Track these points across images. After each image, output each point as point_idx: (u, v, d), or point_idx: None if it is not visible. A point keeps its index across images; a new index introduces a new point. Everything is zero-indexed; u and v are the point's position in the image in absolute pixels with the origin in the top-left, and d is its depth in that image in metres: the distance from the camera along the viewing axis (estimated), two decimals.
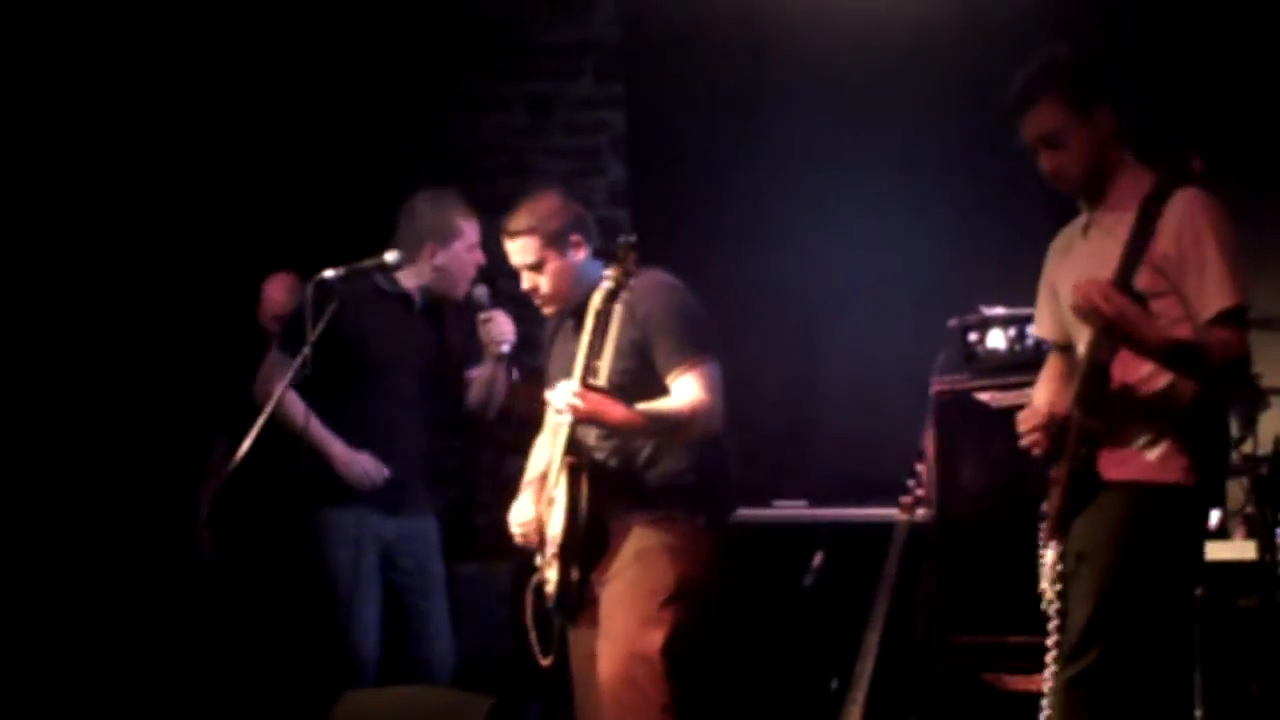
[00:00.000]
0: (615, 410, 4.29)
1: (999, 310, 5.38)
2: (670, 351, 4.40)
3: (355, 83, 6.78)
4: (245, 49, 6.69)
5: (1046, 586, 3.96)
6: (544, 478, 4.60)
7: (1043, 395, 4.13)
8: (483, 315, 5.27)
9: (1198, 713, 4.53)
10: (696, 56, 6.64)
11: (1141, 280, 3.81)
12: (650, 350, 4.42)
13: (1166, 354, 3.81)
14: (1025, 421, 3.97)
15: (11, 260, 6.43)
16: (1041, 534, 4.00)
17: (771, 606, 5.91)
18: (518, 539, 4.63)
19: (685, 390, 4.38)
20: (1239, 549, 5.02)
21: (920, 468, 5.34)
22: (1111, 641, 3.79)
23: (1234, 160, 5.94)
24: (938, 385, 5.39)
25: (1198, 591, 4.43)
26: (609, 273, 4.24)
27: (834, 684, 5.37)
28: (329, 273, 5.07)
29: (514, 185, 5.62)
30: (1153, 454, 3.88)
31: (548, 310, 4.65)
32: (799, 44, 6.44)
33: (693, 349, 4.41)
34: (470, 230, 5.33)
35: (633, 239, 4.25)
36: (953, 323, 5.46)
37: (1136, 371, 3.88)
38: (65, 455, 6.46)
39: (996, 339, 5.38)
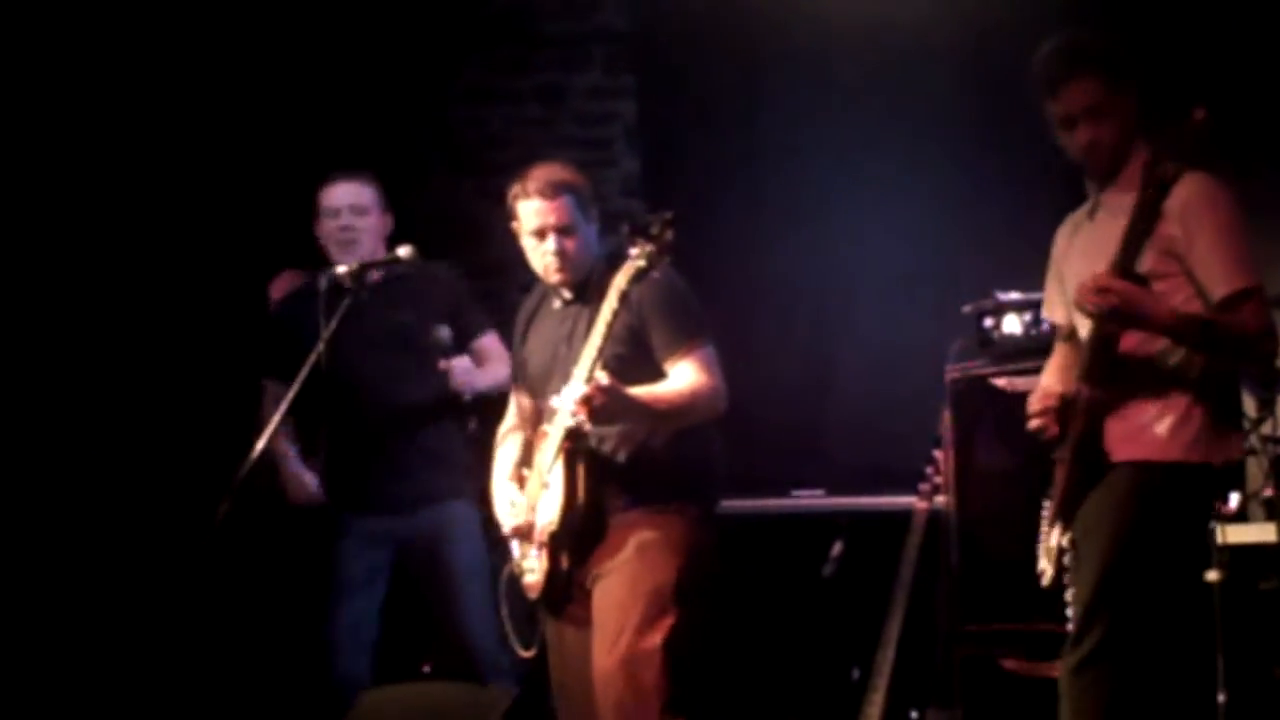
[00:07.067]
0: (623, 403, 4.18)
1: (1014, 295, 5.36)
2: (668, 337, 4.33)
3: (362, 77, 6.76)
4: (253, 44, 6.67)
5: (1047, 565, 3.94)
6: (522, 465, 4.53)
7: (1048, 384, 4.12)
8: (441, 364, 5.25)
9: (1220, 697, 4.51)
10: (707, 45, 6.62)
11: (1146, 263, 3.80)
12: (645, 335, 4.33)
13: (1177, 330, 3.79)
14: (1037, 402, 3.96)
15: (42, 262, 6.44)
16: (1046, 516, 3.98)
17: (791, 596, 5.90)
18: (505, 529, 4.54)
19: (685, 375, 4.31)
20: (1259, 532, 4.98)
21: (938, 454, 5.33)
22: (1113, 623, 3.77)
23: (1252, 142, 5.96)
24: (954, 371, 5.38)
25: (1215, 576, 4.41)
26: (639, 251, 4.09)
27: (855, 673, 5.37)
28: (340, 269, 5.08)
29: None
30: (1160, 429, 3.85)
31: (557, 279, 4.46)
32: (810, 31, 6.41)
33: (690, 333, 4.35)
34: (323, 199, 5.41)
35: (669, 215, 4.10)
36: (967, 308, 5.44)
37: (1143, 346, 3.86)
38: (82, 467, 6.45)
39: (1012, 324, 5.36)
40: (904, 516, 5.31)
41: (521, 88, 6.94)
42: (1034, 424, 3.96)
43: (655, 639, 4.27)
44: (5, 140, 6.31)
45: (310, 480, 5.35)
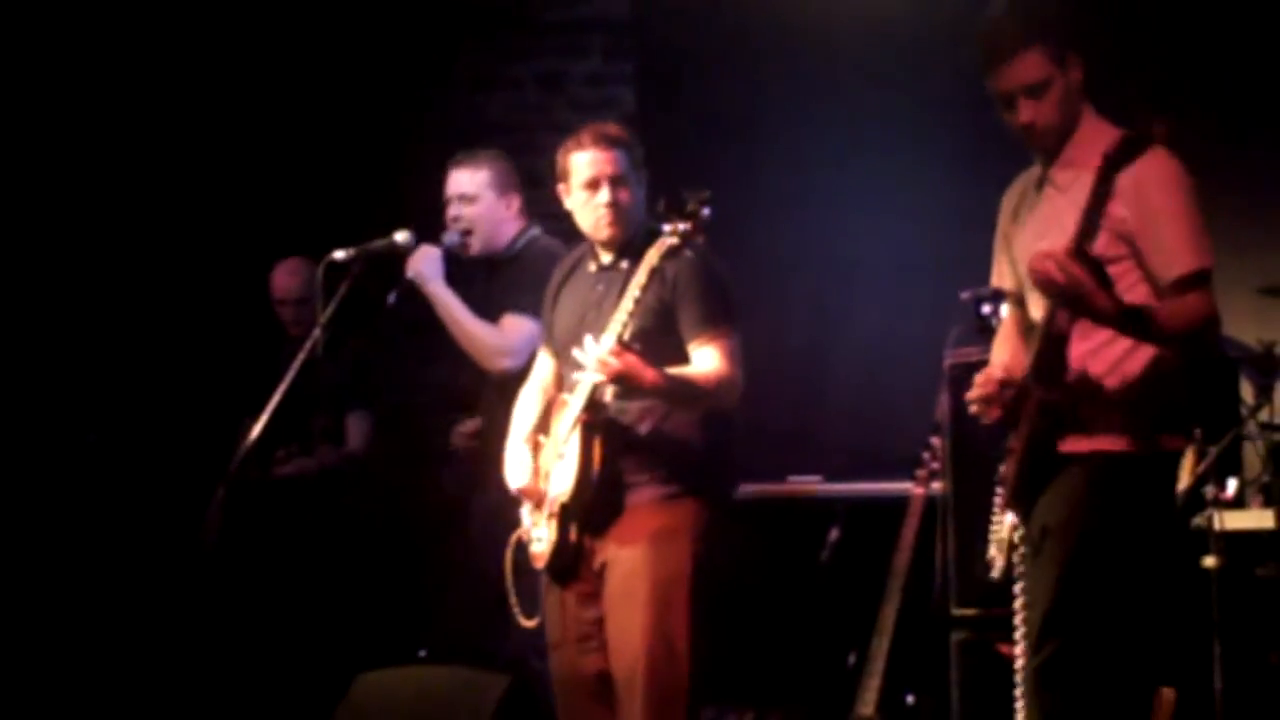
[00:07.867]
0: (646, 374, 4.14)
1: None
2: (698, 318, 4.28)
3: (359, 63, 6.76)
4: (247, 32, 6.68)
5: (997, 554, 3.92)
6: (537, 431, 4.49)
7: (1001, 353, 4.07)
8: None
9: (1217, 683, 4.50)
10: (706, 32, 6.62)
11: (1098, 245, 3.72)
12: (675, 314, 4.29)
13: (1122, 321, 3.71)
14: (977, 386, 3.90)
15: (30, 257, 6.45)
16: (998, 501, 3.95)
17: (788, 582, 5.90)
18: (511, 489, 4.50)
19: (708, 360, 4.27)
20: (1257, 518, 4.99)
21: (935, 441, 5.33)
22: (1074, 628, 3.72)
23: (1239, 125, 5.96)
24: (951, 358, 5.37)
25: (1212, 562, 4.41)
26: (674, 228, 4.05)
27: (851, 658, 5.37)
28: (339, 254, 5.07)
29: (523, 164, 5.58)
30: (1111, 423, 3.80)
31: (608, 234, 4.39)
32: (810, 18, 6.41)
33: (720, 318, 4.31)
34: (445, 184, 5.38)
35: (705, 194, 4.06)
36: (965, 295, 5.43)
37: (1093, 338, 3.81)
38: (82, 447, 6.47)
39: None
40: (901, 502, 5.32)
41: (520, 74, 6.94)
42: (973, 409, 3.91)
43: (677, 628, 4.24)
44: (6, 139, 6.34)
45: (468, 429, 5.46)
